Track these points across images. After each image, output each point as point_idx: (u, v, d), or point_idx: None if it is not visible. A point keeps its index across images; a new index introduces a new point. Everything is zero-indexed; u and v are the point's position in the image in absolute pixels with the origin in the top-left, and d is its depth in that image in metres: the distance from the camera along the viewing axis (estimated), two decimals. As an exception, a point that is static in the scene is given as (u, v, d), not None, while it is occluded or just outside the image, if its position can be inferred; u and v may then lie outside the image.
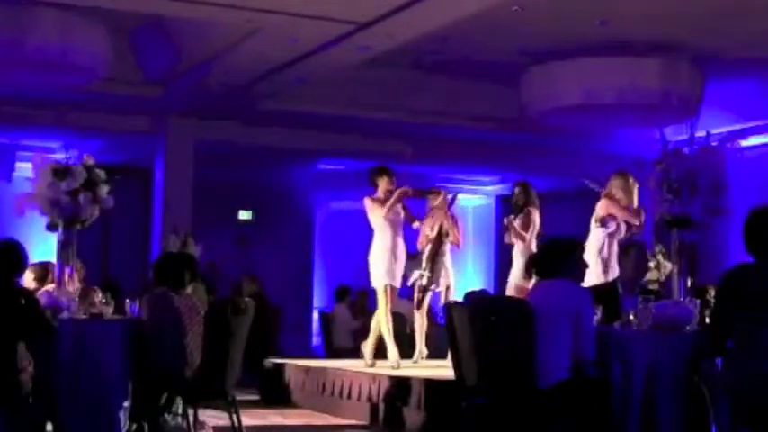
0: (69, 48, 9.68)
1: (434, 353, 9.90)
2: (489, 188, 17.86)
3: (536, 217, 9.41)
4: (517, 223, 9.38)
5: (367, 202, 9.50)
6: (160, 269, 7.09)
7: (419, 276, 9.60)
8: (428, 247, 9.58)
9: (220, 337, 6.70)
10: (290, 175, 16.49)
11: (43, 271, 7.66)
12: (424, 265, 9.58)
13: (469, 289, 6.79)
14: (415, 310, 9.86)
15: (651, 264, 10.03)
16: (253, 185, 16.36)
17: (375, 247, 9.45)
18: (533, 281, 9.11)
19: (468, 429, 6.24)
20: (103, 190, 7.13)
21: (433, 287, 9.61)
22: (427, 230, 9.64)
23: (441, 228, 9.57)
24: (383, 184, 9.52)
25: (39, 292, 6.93)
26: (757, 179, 11.98)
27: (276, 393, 10.14)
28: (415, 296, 9.76)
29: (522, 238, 9.30)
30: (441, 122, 13.09)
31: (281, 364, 10.40)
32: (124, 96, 11.94)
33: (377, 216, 9.43)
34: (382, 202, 9.42)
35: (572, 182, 16.08)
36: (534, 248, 9.27)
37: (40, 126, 12.76)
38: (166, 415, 6.89)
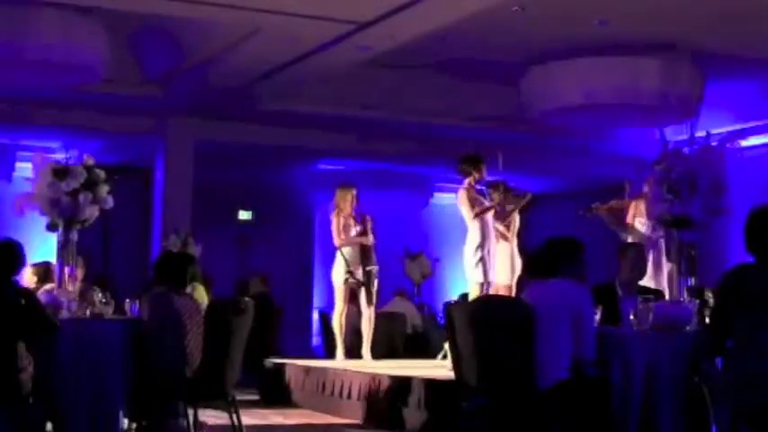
0: (69, 48, 9.67)
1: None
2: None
3: (517, 216, 9.55)
4: (500, 226, 9.49)
5: (463, 196, 9.15)
6: (160, 269, 7.09)
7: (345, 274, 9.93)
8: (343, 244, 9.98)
9: (220, 337, 6.70)
10: (290, 175, 16.48)
11: (45, 270, 7.66)
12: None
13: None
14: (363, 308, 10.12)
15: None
16: (253, 185, 16.36)
17: (469, 242, 9.14)
18: (515, 279, 9.29)
19: (468, 430, 6.24)
20: (103, 190, 7.14)
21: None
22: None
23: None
24: (477, 174, 9.20)
25: (38, 292, 6.93)
26: (757, 179, 11.97)
27: (276, 393, 10.14)
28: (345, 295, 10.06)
29: (506, 239, 9.44)
30: (441, 122, 13.09)
31: (281, 364, 10.40)
32: (124, 96, 11.93)
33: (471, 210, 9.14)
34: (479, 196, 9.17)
35: (572, 182, 16.17)
36: (516, 247, 9.44)
37: (40, 126, 12.76)
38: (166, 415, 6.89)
